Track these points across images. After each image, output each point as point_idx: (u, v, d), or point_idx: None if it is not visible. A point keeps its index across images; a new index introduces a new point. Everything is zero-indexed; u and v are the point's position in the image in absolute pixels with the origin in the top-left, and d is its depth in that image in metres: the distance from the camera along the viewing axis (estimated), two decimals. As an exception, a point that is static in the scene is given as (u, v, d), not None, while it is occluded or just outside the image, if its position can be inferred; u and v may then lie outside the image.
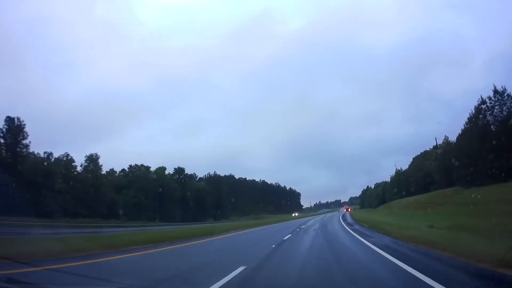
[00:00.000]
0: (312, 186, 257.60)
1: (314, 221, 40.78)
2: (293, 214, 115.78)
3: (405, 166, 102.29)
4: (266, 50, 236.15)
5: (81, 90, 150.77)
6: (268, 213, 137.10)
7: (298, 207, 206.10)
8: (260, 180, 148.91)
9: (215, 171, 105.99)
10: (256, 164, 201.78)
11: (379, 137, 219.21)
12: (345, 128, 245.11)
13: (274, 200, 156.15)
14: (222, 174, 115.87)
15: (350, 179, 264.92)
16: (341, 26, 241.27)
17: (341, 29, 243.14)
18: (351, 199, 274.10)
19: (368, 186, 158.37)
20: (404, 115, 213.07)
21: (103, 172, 73.88)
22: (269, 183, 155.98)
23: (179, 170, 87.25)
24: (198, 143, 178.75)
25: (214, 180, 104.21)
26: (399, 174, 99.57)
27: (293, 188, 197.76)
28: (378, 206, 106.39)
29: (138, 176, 79.06)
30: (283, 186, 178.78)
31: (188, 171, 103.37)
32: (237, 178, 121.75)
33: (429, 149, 77.69)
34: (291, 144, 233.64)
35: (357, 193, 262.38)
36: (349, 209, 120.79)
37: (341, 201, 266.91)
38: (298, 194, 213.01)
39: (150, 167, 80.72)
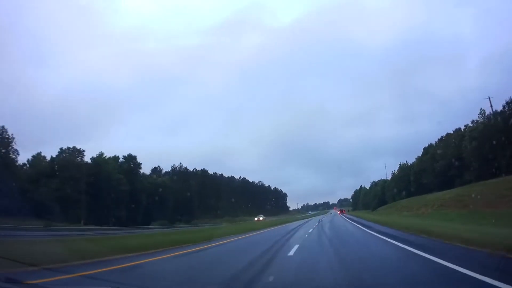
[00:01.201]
0: (300, 188, 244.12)
1: (299, 247, 13.24)
2: (256, 219, 69.93)
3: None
4: (254, 44, 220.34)
5: (62, 84, 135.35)
6: (249, 215, 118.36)
7: (284, 208, 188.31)
8: (240, 177, 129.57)
9: (181, 163, 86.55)
10: (240, 163, 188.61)
11: (369, 138, 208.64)
12: (335, 128, 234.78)
13: (257, 201, 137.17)
14: (192, 169, 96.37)
15: (339, 180, 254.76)
16: (334, 21, 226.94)
17: (334, 25, 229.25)
18: (340, 200, 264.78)
19: (362, 186, 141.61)
20: (397, 115, 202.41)
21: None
22: (250, 181, 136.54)
23: (128, 159, 67.61)
24: (181, 141, 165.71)
25: (180, 175, 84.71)
26: (404, 169, 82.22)
27: (279, 188, 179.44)
28: (377, 207, 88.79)
29: (68, 162, 59.32)
30: (267, 185, 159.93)
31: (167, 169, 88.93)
32: (211, 173, 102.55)
33: (452, 132, 60.06)
34: (277, 144, 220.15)
35: (346, 195, 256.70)
36: (343, 211, 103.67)
37: (330, 203, 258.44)
38: (285, 195, 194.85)
39: (84, 151, 61.06)
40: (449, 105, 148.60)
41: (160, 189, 72.49)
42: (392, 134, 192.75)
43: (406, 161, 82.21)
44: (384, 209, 71.33)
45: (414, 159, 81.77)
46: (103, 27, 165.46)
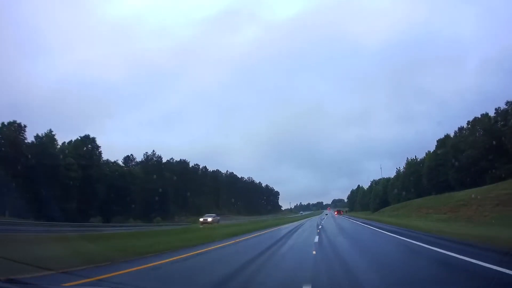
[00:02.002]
0: (293, 187, 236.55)
1: None
2: (202, 219, 46.64)
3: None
4: (250, 38, 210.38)
5: (51, 75, 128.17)
6: (237, 213, 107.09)
7: (276, 207, 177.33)
8: (227, 171, 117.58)
9: (154, 151, 74.25)
10: (231, 160, 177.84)
11: (366, 139, 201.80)
12: (331, 128, 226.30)
13: (246, 199, 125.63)
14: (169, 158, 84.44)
15: (333, 181, 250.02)
16: (333, 18, 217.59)
17: (333, 22, 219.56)
18: (335, 201, 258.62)
19: (360, 185, 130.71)
20: (394, 116, 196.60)
21: None
22: (239, 176, 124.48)
23: (85, 140, 55.75)
24: (170, 136, 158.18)
25: (153, 165, 72.71)
26: (412, 165, 71.34)
27: (271, 186, 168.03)
28: (379, 208, 77.89)
29: (2, 139, 47.72)
30: (258, 182, 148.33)
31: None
32: (192, 165, 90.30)
33: (479, 116, 49.01)
34: (271, 142, 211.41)
35: (340, 195, 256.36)
36: (341, 212, 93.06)
37: (324, 203, 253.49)
38: (277, 193, 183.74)
39: (25, 126, 49.39)
40: (448, 106, 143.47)
41: (124, 180, 61.02)
42: (389, 135, 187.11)
43: (415, 156, 71.33)
44: (391, 210, 60.22)
45: (424, 154, 71.22)
46: (93, 18, 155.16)
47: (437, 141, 63.07)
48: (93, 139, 56.78)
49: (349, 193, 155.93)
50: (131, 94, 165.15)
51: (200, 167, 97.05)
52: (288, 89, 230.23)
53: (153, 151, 73.35)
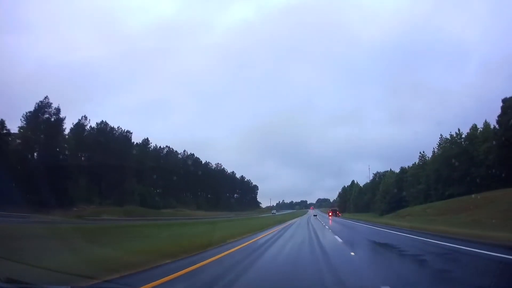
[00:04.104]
0: (276, 184, 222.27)
1: None
2: None
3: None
4: (239, 20, 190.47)
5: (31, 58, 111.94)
6: (195, 208, 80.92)
7: (253, 204, 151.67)
8: (184, 151, 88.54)
9: (47, 97, 45.46)
10: (210, 151, 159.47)
11: (356, 138, 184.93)
12: (319, 124, 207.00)
13: (212, 190, 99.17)
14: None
15: (318, 180, 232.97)
16: (330, 5, 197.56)
17: (329, 9, 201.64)
18: (319, 200, 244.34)
19: (354, 181, 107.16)
20: (388, 115, 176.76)
21: None
22: (202, 161, 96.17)
23: None
24: (151, 123, 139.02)
25: (44, 123, 45.50)
26: (454, 143, 46.95)
27: (248, 178, 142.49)
28: (391, 210, 53.15)
29: None
30: (230, 172, 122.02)
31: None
32: (122, 133, 61.43)
33: None
34: (255, 135, 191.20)
35: (325, 195, 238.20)
36: (338, 213, 68.88)
37: (308, 202, 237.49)
38: (255, 188, 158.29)
39: None
40: (448, 107, 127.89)
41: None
42: (382, 135, 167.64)
43: (458, 130, 46.49)
44: (425, 213, 34.93)
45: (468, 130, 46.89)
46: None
47: (504, 101, 38.37)
48: None
49: (340, 190, 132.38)
50: (111, 78, 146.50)
51: (136, 138, 69.77)
52: (277, 80, 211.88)
53: (46, 97, 45.85)
